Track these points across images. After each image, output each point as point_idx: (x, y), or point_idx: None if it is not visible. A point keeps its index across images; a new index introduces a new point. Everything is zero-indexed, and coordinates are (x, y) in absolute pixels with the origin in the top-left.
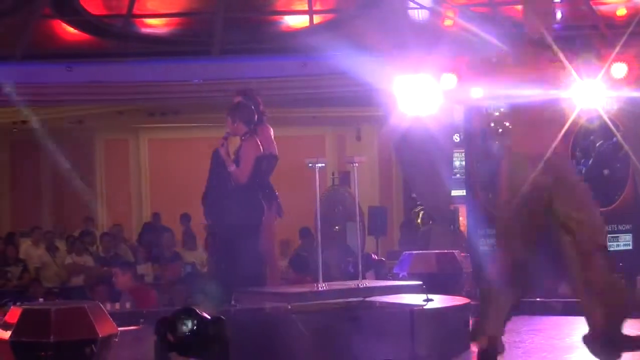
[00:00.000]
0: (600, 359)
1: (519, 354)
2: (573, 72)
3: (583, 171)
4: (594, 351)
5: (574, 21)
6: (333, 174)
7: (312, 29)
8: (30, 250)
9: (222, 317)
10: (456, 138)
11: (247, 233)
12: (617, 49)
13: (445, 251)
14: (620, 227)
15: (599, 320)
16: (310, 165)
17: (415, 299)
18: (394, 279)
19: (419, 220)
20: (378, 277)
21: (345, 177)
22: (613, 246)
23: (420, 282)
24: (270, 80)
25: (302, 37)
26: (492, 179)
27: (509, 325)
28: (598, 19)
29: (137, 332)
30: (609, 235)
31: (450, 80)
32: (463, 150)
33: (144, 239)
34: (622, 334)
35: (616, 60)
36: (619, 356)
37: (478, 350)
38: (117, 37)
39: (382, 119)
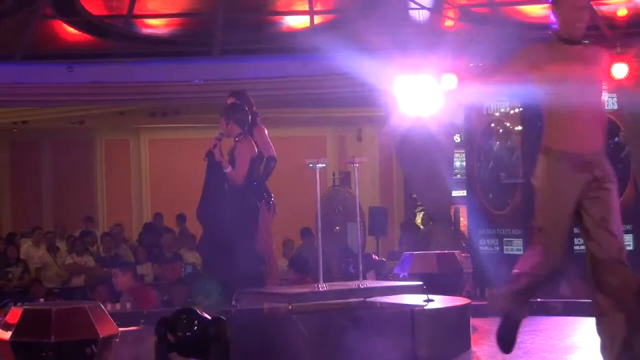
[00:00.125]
0: None
1: (519, 354)
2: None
3: None
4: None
5: None
6: (334, 175)
7: (312, 29)
8: (31, 251)
9: (223, 317)
10: (457, 138)
11: (243, 233)
12: (618, 49)
13: (446, 251)
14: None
15: (619, 329)
16: (310, 165)
17: (415, 300)
18: (394, 280)
19: (419, 221)
20: (378, 278)
21: (345, 178)
22: None
23: (420, 283)
24: (271, 81)
25: (302, 38)
26: (492, 180)
27: None
28: (599, 19)
29: (137, 333)
30: None
31: (450, 80)
32: (464, 151)
33: (144, 239)
34: None
35: (617, 60)
36: None
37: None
38: (118, 38)
39: (382, 120)
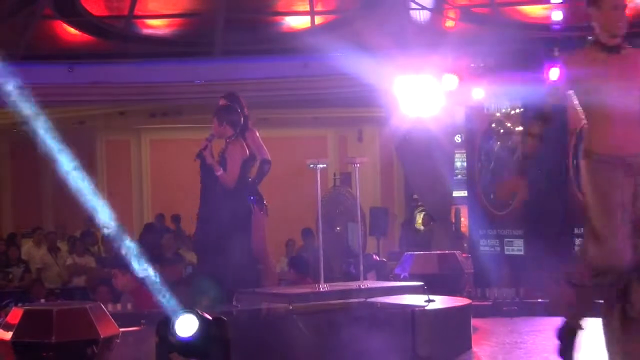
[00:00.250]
0: None
1: (520, 354)
2: None
3: None
4: None
5: (576, 22)
6: (334, 175)
7: (313, 29)
8: (32, 251)
9: (223, 317)
10: (458, 139)
11: (237, 234)
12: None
13: (447, 252)
14: None
15: None
16: (311, 166)
17: (416, 300)
18: (395, 280)
19: (419, 221)
20: (379, 278)
21: (346, 178)
22: None
23: (421, 283)
24: (272, 81)
25: (303, 38)
26: (493, 180)
27: (510, 326)
28: None
29: (138, 333)
30: None
31: (451, 81)
32: (464, 151)
33: (145, 240)
34: None
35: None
36: None
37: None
38: (119, 38)
39: (383, 120)
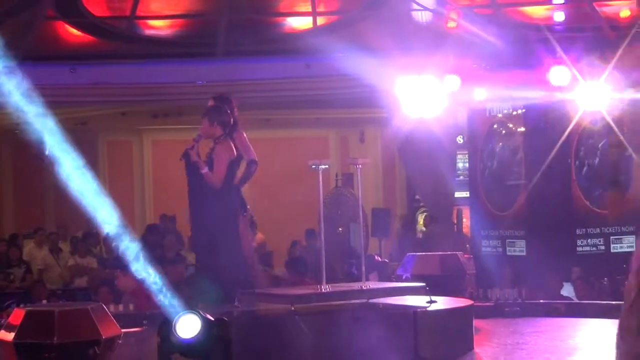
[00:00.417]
0: None
1: (522, 355)
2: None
3: (585, 170)
4: None
5: (577, 23)
6: (336, 176)
7: (315, 30)
8: (33, 252)
9: (225, 318)
10: (459, 140)
11: (226, 235)
12: (621, 50)
13: (449, 253)
14: (624, 229)
15: None
16: (313, 166)
17: (418, 301)
18: (397, 281)
19: (420, 222)
20: (381, 279)
21: (348, 179)
22: (617, 248)
23: (423, 284)
24: (274, 82)
25: (305, 39)
26: (495, 181)
27: (512, 327)
28: (602, 20)
29: (140, 334)
30: (612, 237)
31: (453, 81)
32: (466, 152)
33: (147, 241)
34: None
35: (620, 62)
36: None
37: None
38: (121, 39)
39: (385, 121)
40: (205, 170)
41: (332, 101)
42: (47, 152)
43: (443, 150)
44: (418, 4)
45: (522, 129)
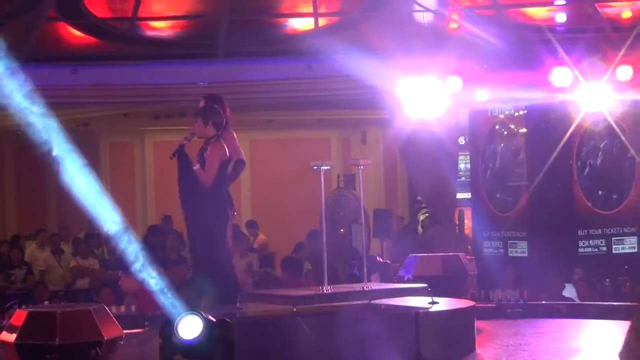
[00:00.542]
0: None
1: (524, 356)
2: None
3: (587, 171)
4: None
5: (579, 24)
6: (338, 177)
7: (317, 31)
8: (35, 253)
9: (227, 319)
10: (461, 140)
11: (216, 234)
12: (623, 51)
13: (451, 254)
14: (626, 230)
15: None
16: (315, 168)
17: (420, 302)
18: (399, 282)
19: (421, 219)
20: (383, 280)
21: (350, 180)
22: (618, 249)
23: (425, 285)
24: (276, 83)
25: (307, 40)
26: (497, 182)
27: (514, 328)
28: (603, 21)
29: (142, 335)
30: (614, 238)
31: (455, 82)
32: (468, 153)
33: (149, 242)
34: None
35: (621, 62)
36: None
37: None
38: (122, 40)
39: (387, 122)
40: (197, 167)
41: (333, 102)
42: (50, 153)
43: (445, 151)
44: (420, 5)
45: (524, 129)
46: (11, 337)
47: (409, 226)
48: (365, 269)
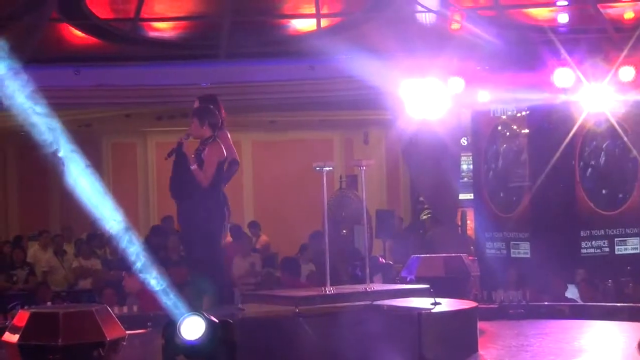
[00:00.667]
0: None
1: (527, 357)
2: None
3: (589, 172)
4: None
5: (581, 24)
6: (341, 178)
7: (319, 32)
8: (38, 254)
9: (230, 320)
10: (464, 141)
11: (213, 234)
12: (625, 52)
13: (453, 255)
14: (628, 231)
15: None
16: (317, 168)
17: (422, 303)
18: (401, 283)
19: (423, 219)
20: (385, 281)
21: (353, 181)
22: (621, 250)
23: (427, 286)
24: (278, 84)
25: (309, 41)
26: (499, 183)
27: (517, 329)
28: (606, 22)
29: (144, 336)
30: (616, 239)
31: (457, 83)
32: (471, 154)
33: (151, 242)
34: None
35: (624, 63)
36: None
37: None
38: (125, 41)
39: (389, 122)
40: (194, 166)
41: (336, 103)
42: (53, 154)
43: (447, 152)
44: (422, 5)
45: (526, 130)
46: (14, 338)
47: (412, 227)
48: (367, 270)
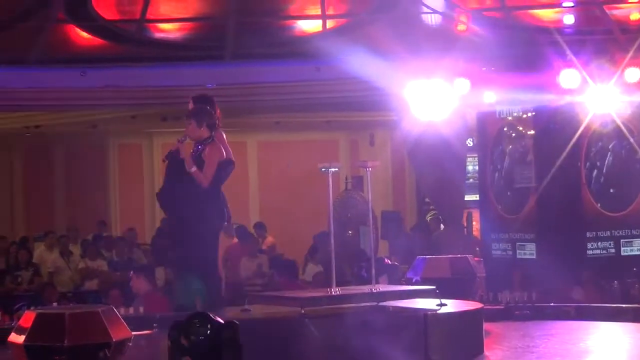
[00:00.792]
0: None
1: (532, 358)
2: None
3: (595, 173)
4: None
5: (587, 25)
6: (346, 179)
7: (325, 33)
8: (44, 255)
9: (235, 321)
10: (469, 142)
11: (214, 235)
12: (631, 53)
13: (459, 256)
14: (634, 232)
15: None
16: (323, 170)
17: (428, 304)
18: (407, 284)
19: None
20: (391, 282)
21: (358, 182)
22: (627, 251)
23: (433, 287)
24: (284, 85)
25: (315, 42)
26: (505, 184)
27: (523, 330)
28: (612, 23)
29: (150, 337)
30: (622, 240)
31: (463, 84)
32: (476, 155)
33: (157, 244)
34: None
35: (630, 64)
36: None
37: None
38: (131, 42)
39: (395, 124)
40: (194, 169)
41: (341, 104)
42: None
43: (453, 153)
44: (428, 7)
45: (532, 131)
46: (20, 339)
47: (417, 228)
48: (373, 271)
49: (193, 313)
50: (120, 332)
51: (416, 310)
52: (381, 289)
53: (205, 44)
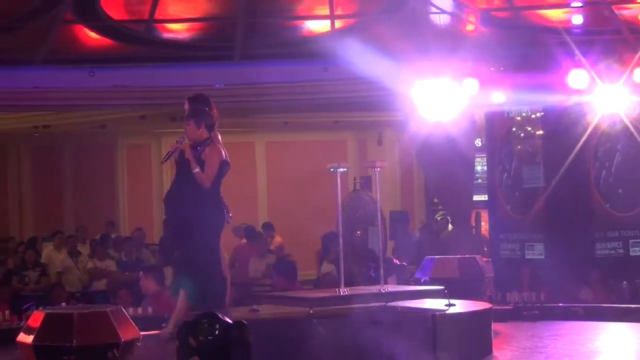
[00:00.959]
0: None
1: (541, 359)
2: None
3: (604, 174)
4: None
5: (596, 26)
6: (355, 179)
7: (333, 33)
8: (52, 255)
9: (244, 321)
10: (478, 143)
11: (217, 235)
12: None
13: (467, 256)
14: None
15: None
16: (331, 170)
17: (437, 304)
18: (415, 284)
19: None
20: (400, 282)
21: (366, 182)
22: (636, 251)
23: (442, 287)
24: (292, 85)
25: (323, 42)
26: (513, 184)
27: (531, 331)
28: (620, 23)
29: (159, 337)
30: (631, 241)
31: (471, 85)
32: (485, 155)
33: (165, 244)
34: None
35: (638, 64)
36: None
37: None
38: (139, 42)
39: (403, 124)
40: (197, 169)
41: (350, 104)
42: None
43: (461, 154)
44: (436, 7)
45: (541, 131)
46: (29, 339)
47: (425, 228)
48: (381, 271)
49: (202, 313)
50: (128, 332)
51: (425, 311)
52: (390, 289)
53: (214, 44)
